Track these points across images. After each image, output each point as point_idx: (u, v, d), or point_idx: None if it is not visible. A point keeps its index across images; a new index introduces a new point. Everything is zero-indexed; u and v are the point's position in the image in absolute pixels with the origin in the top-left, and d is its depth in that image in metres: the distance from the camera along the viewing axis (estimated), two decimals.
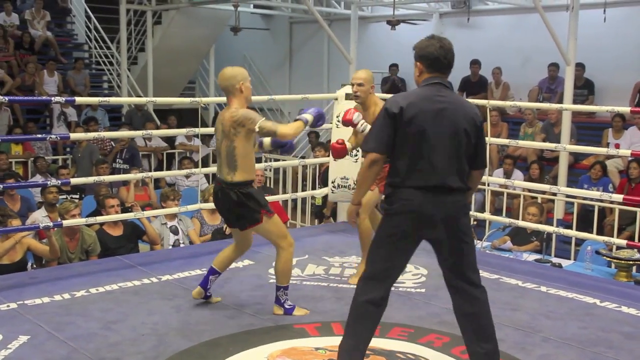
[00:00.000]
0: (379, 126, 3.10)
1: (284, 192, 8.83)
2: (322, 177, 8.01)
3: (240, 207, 3.96)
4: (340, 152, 4.61)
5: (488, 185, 6.27)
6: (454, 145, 3.05)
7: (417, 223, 3.06)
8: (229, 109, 3.95)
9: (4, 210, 5.87)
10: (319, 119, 4.09)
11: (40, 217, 6.40)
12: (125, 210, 6.28)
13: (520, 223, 5.94)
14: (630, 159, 7.96)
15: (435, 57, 3.12)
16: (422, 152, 3.04)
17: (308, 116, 4.03)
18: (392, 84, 12.69)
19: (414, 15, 12.84)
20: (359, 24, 11.19)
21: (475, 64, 11.52)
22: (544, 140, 8.97)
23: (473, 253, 3.21)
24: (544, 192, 7.26)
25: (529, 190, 7.46)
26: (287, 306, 4.10)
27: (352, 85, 4.62)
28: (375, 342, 3.66)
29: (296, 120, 4.00)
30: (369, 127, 4.39)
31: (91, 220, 5.54)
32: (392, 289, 4.56)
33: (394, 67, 12.87)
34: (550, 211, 7.48)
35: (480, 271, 5.05)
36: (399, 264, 3.22)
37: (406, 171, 3.05)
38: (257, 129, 3.87)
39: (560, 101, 9.47)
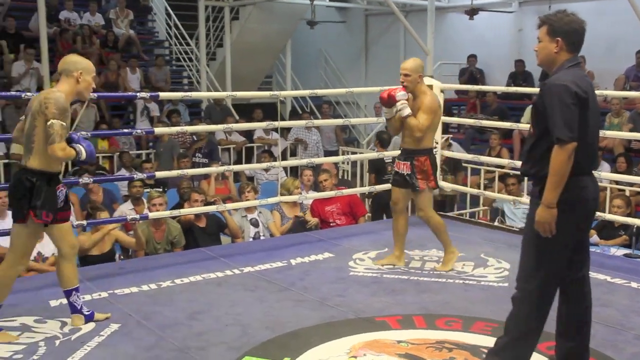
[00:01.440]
0: (570, 112, 2.80)
1: (362, 184, 8.83)
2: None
3: (19, 196, 3.57)
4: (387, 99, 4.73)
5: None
6: (599, 126, 3.06)
7: (593, 210, 3.01)
8: (51, 89, 3.72)
9: (93, 204, 6.11)
10: (91, 156, 3.75)
11: (126, 210, 6.62)
12: (207, 204, 6.41)
13: (607, 216, 5.74)
14: None
15: (581, 35, 2.93)
16: (592, 136, 2.96)
17: (83, 151, 3.67)
18: (470, 75, 12.47)
19: (493, 4, 12.57)
20: (436, 14, 10.98)
21: None
22: (631, 131, 8.62)
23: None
24: (632, 185, 6.99)
25: (617, 183, 7.19)
26: (85, 312, 3.80)
27: (400, 75, 4.70)
28: (459, 336, 3.64)
29: (73, 147, 3.62)
30: (407, 111, 4.64)
31: (175, 212, 5.69)
32: (474, 282, 4.52)
33: (472, 57, 12.64)
34: (639, 204, 7.19)
35: None
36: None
37: (581, 157, 2.85)
38: (48, 122, 3.46)
39: None
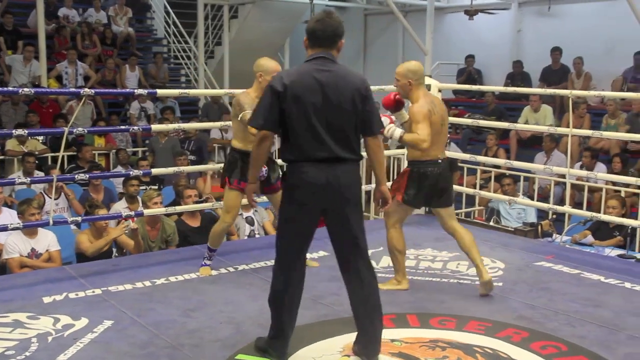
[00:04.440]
0: (263, 103, 3.18)
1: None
2: None
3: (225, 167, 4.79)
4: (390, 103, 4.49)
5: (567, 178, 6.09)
6: (340, 116, 3.13)
7: (312, 194, 3.14)
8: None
9: (91, 201, 6.11)
10: None
11: (121, 208, 6.60)
12: (202, 201, 6.41)
13: (602, 217, 5.74)
14: None
15: (312, 32, 3.20)
16: (307, 126, 3.10)
17: None
18: (468, 75, 12.48)
19: (492, 4, 12.59)
20: (435, 14, 11.04)
21: (556, 51, 11.21)
22: (628, 132, 8.63)
23: (360, 226, 3.24)
24: (627, 185, 6.99)
25: (613, 184, 7.20)
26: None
27: None
28: (452, 335, 3.64)
29: None
30: (398, 132, 4.24)
31: (170, 209, 5.68)
32: (469, 282, 4.52)
33: (470, 58, 12.66)
34: (634, 205, 7.20)
35: (561, 266, 4.98)
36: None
37: (298, 146, 3.13)
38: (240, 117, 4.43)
39: None
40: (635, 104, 9.16)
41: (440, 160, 4.33)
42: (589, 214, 5.94)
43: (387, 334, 3.65)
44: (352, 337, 3.59)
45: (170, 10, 13.58)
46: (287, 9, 13.28)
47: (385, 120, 4.21)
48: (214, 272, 4.73)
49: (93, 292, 4.29)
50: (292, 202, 3.21)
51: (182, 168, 6.32)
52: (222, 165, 6.94)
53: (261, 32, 13.34)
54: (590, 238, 6.04)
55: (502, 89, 10.10)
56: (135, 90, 6.65)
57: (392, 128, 4.26)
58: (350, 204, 3.19)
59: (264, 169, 4.55)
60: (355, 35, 15.46)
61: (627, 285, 4.55)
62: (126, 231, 5.58)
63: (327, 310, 4.01)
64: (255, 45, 13.45)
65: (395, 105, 4.46)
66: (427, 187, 4.31)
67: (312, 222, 3.22)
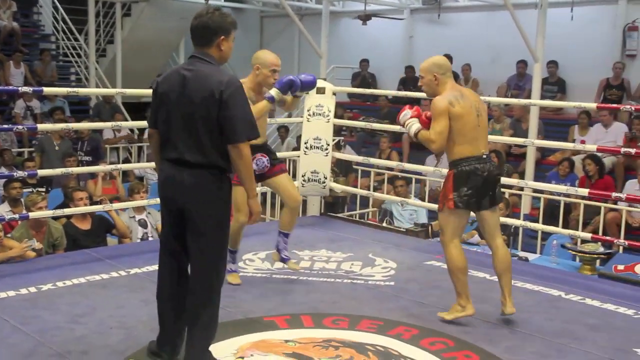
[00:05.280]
0: (152, 102, 3.19)
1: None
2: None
3: None
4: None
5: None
6: (188, 118, 3.02)
7: (164, 193, 3.16)
8: None
9: None
10: (288, 85, 4.19)
11: (3, 212, 6.27)
12: (93, 203, 6.21)
13: None
14: (583, 156, 8.09)
15: (190, 30, 3.13)
16: (167, 126, 3.10)
17: (273, 91, 4.17)
18: (363, 79, 12.72)
19: (385, 10, 12.89)
20: (330, 18, 11.17)
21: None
22: (512, 136, 9.07)
23: (208, 239, 3.12)
24: (511, 187, 7.34)
25: None
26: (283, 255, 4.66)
27: None
28: (345, 334, 3.70)
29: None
30: (415, 127, 3.94)
31: (58, 212, 5.47)
32: (362, 282, 4.60)
33: (364, 62, 12.91)
34: (516, 206, 7.57)
35: None
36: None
37: (162, 144, 3.15)
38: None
39: (529, 98, 9.59)
40: (517, 110, 9.64)
41: (485, 156, 3.89)
42: (474, 214, 6.19)
43: (281, 334, 3.68)
44: (246, 338, 3.60)
45: (59, 6, 13.07)
46: (182, 8, 13.07)
47: (406, 113, 4.01)
48: (104, 276, 4.59)
49: None
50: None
51: (70, 169, 6.10)
52: (113, 166, 6.80)
53: (155, 31, 13.07)
54: (477, 237, 6.30)
55: (395, 93, 10.33)
56: (20, 88, 6.34)
57: (410, 122, 3.97)
58: (197, 210, 3.06)
59: (265, 158, 4.40)
60: (251, 37, 15.44)
61: None
62: (28, 250, 5.19)
63: (221, 313, 3.94)
64: (149, 45, 13.19)
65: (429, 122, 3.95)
66: (477, 186, 3.86)
67: (173, 220, 3.16)
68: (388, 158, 9.40)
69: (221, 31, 3.09)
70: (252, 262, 5.05)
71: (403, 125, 4.05)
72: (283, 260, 4.66)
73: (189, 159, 3.04)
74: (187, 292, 3.17)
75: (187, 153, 3.04)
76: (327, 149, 6.08)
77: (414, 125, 3.95)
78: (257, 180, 4.33)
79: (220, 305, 4.05)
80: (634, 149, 5.57)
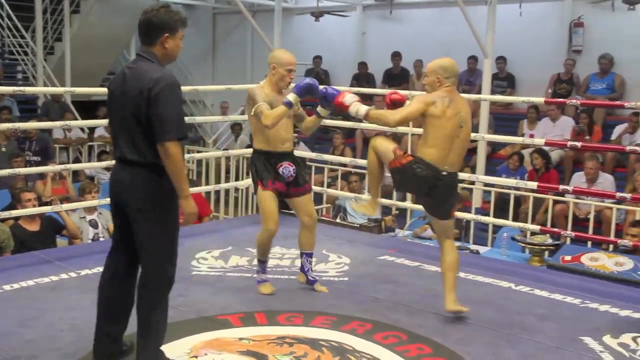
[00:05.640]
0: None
1: (207, 183, 8.78)
2: None
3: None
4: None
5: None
6: (124, 116, 3.00)
7: (110, 192, 3.18)
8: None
9: None
10: (306, 89, 4.09)
11: None
12: (43, 204, 6.09)
13: None
14: (530, 150, 8.26)
15: (138, 28, 3.08)
16: (112, 125, 3.15)
17: (290, 96, 4.05)
18: (316, 75, 12.73)
19: (337, 7, 12.92)
20: (283, 15, 11.15)
21: (396, 56, 11.71)
22: None
23: (150, 240, 3.08)
24: (462, 181, 7.44)
25: None
26: (310, 277, 4.44)
27: None
28: (299, 331, 3.71)
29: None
30: (363, 109, 3.98)
31: (5, 214, 5.35)
32: (317, 277, 4.62)
33: (317, 59, 12.94)
34: (467, 200, 7.68)
35: (403, 259, 5.21)
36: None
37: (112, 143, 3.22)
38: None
39: (479, 93, 9.73)
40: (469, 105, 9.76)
41: (445, 173, 3.84)
42: None
43: (234, 332, 3.67)
44: (199, 337, 3.58)
45: (4, 2, 12.74)
46: (132, 4, 12.86)
47: (350, 96, 4.02)
48: (54, 278, 4.50)
49: None
50: None
51: (17, 170, 5.96)
52: (62, 166, 6.66)
53: (105, 28, 12.84)
54: (429, 232, 6.36)
55: (348, 89, 10.36)
56: None
57: (356, 105, 3.98)
58: (136, 209, 3.03)
59: (291, 167, 4.25)
60: (203, 34, 15.31)
61: (461, 274, 4.81)
62: None
63: (173, 312, 3.92)
64: (99, 42, 12.95)
65: (393, 107, 4.03)
66: (418, 191, 4.04)
67: (120, 219, 3.15)
68: (341, 154, 9.44)
69: (166, 28, 3.02)
70: (206, 260, 5.02)
71: (348, 107, 4.01)
72: (310, 283, 4.44)
73: (128, 157, 3.02)
74: (135, 294, 3.16)
75: (127, 152, 3.02)
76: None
77: (362, 107, 3.97)
78: (283, 197, 4.34)
79: (173, 305, 4.03)
80: (580, 142, 5.71)
